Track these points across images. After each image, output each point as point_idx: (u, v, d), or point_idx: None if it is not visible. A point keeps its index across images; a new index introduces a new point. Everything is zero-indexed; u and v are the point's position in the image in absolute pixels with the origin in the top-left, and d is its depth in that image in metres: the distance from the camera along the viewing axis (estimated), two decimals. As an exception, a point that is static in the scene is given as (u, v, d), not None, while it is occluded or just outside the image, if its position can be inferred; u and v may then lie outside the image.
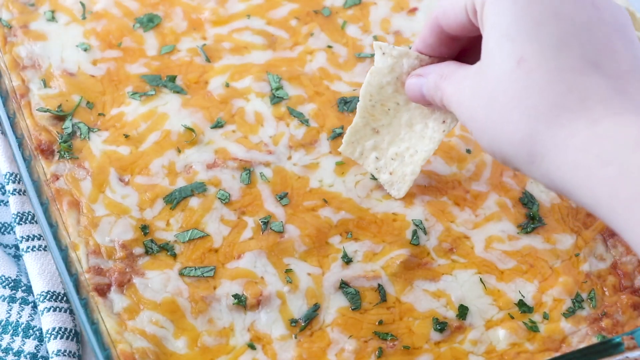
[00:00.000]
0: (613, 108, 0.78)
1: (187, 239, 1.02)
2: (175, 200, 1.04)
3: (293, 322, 0.97)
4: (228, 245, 1.02)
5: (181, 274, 0.99)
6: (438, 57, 0.97)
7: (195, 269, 1.00)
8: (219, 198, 1.04)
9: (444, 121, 1.00)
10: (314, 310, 0.98)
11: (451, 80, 0.91)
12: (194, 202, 1.04)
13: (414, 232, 1.03)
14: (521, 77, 0.82)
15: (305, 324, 0.97)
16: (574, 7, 0.84)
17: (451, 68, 0.93)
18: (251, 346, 0.96)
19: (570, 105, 0.80)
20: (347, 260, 1.01)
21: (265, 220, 1.03)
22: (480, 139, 0.86)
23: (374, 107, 1.02)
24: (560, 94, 0.81)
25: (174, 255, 1.01)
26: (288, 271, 1.00)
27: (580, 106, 0.80)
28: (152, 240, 1.01)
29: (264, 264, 1.00)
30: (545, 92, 0.81)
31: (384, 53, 0.99)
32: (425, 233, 1.03)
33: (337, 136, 1.10)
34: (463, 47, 0.96)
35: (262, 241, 1.02)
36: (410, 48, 0.98)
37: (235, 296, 0.98)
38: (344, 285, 1.00)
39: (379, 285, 1.00)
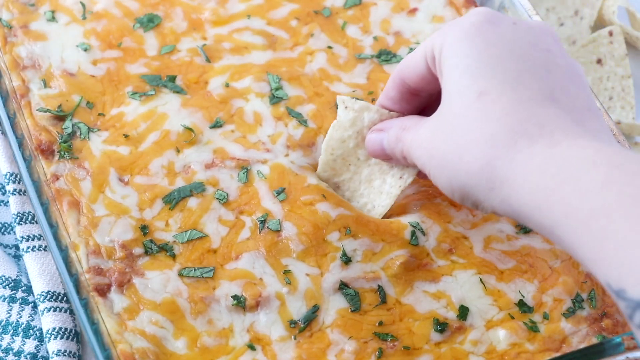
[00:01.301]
0: (571, 135, 0.80)
1: (186, 239, 1.02)
2: (174, 200, 1.04)
3: (292, 323, 0.97)
4: (226, 246, 1.02)
5: (180, 275, 0.99)
6: (399, 113, 1.00)
7: (194, 270, 0.99)
8: (217, 198, 1.04)
9: (401, 177, 1.01)
10: (313, 312, 0.98)
11: (412, 130, 0.93)
12: (192, 202, 1.04)
13: (413, 233, 1.03)
14: (481, 108, 0.85)
15: (305, 325, 0.97)
16: (530, 49, 0.87)
17: (413, 121, 0.95)
18: (251, 347, 0.96)
19: (529, 131, 0.82)
20: (346, 260, 1.01)
21: (263, 219, 1.03)
22: (439, 176, 0.88)
23: (335, 162, 1.04)
24: (519, 121, 0.83)
25: (173, 256, 1.01)
26: (286, 272, 0.99)
27: (539, 132, 0.82)
28: (151, 241, 1.01)
29: (262, 265, 1.00)
30: (504, 120, 0.83)
31: (346, 107, 1.02)
32: (424, 234, 1.03)
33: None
34: (424, 104, 0.99)
35: (260, 241, 1.02)
36: (381, 90, 1.00)
37: (235, 297, 0.98)
38: (343, 286, 0.99)
39: (379, 286, 1.00)
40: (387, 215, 1.04)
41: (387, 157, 1.00)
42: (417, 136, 0.92)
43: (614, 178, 0.74)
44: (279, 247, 1.01)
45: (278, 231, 1.02)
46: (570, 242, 0.76)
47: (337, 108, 1.03)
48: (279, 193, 1.04)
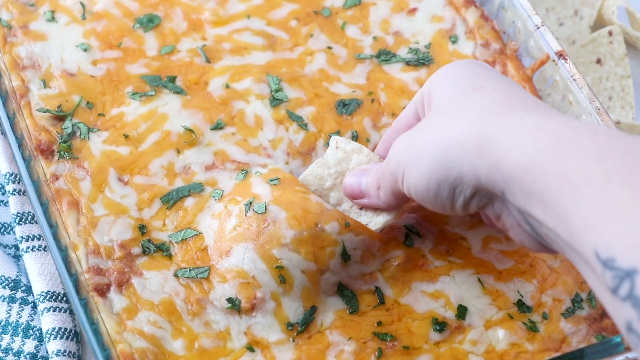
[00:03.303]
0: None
1: (180, 239, 1.02)
2: (172, 200, 1.04)
3: (289, 325, 0.97)
4: (218, 240, 1.01)
5: (176, 276, 0.99)
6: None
7: (189, 270, 0.99)
8: (212, 197, 1.04)
9: (367, 223, 1.00)
10: (311, 314, 0.98)
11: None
12: (189, 202, 1.04)
13: (407, 235, 1.03)
14: (475, 95, 0.86)
15: (303, 328, 0.97)
16: (504, 80, 0.90)
17: None
18: (250, 349, 0.95)
19: (526, 103, 0.83)
20: (347, 258, 1.00)
21: (249, 203, 1.01)
22: (418, 164, 0.87)
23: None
24: (515, 95, 0.84)
25: (170, 256, 1.01)
26: (279, 268, 0.98)
27: (536, 106, 0.82)
28: (149, 240, 1.01)
29: (252, 259, 0.98)
30: (500, 98, 0.84)
31: (337, 147, 1.02)
32: (420, 236, 1.03)
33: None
34: None
35: (245, 227, 0.99)
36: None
37: (229, 300, 0.97)
38: (342, 287, 0.99)
39: (376, 287, 1.00)
40: None
41: (360, 195, 0.99)
42: (401, 137, 0.92)
43: (614, 146, 0.73)
44: (268, 233, 0.98)
45: (263, 214, 0.99)
46: (560, 208, 0.74)
47: (329, 142, 1.04)
48: (272, 180, 1.03)
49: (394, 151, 0.92)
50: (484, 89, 0.86)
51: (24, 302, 1.05)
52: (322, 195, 1.02)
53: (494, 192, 0.82)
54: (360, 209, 1.01)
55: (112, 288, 0.97)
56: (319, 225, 0.99)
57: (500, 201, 0.84)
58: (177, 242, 1.01)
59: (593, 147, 0.73)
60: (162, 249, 1.01)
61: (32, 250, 1.07)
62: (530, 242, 0.86)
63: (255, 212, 0.99)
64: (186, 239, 1.02)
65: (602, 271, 0.70)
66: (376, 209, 1.00)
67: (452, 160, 0.83)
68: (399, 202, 0.97)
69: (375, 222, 1.00)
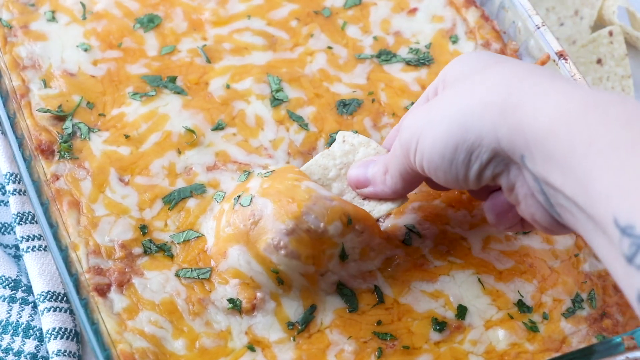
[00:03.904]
0: None
1: (182, 240, 1.02)
2: (173, 200, 1.04)
3: (290, 325, 0.97)
4: (216, 243, 1.00)
5: (177, 276, 0.99)
6: None
7: (191, 271, 0.99)
8: (214, 199, 1.04)
9: (369, 212, 0.99)
10: (311, 313, 0.98)
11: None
12: (191, 203, 1.04)
13: (407, 234, 1.03)
14: (497, 66, 0.85)
15: (303, 327, 0.97)
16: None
17: None
18: (251, 348, 0.96)
19: (552, 74, 0.82)
20: (343, 257, 0.99)
21: (237, 196, 1.00)
22: (437, 127, 0.85)
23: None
24: (538, 69, 0.83)
25: (171, 256, 1.01)
26: (275, 272, 0.97)
27: (560, 77, 0.81)
28: (150, 241, 1.01)
29: (247, 260, 0.97)
30: (522, 69, 0.83)
31: (344, 140, 1.01)
32: (420, 236, 1.03)
33: (333, 142, 1.09)
34: None
35: (233, 222, 0.97)
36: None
37: (230, 300, 0.97)
38: (341, 286, 0.99)
39: (375, 286, 1.00)
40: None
41: (365, 182, 0.98)
42: (414, 110, 0.91)
43: None
44: (257, 231, 0.97)
45: (249, 206, 0.97)
46: (582, 172, 0.72)
47: (335, 137, 1.03)
48: (266, 172, 1.02)
49: (407, 123, 0.89)
50: (507, 62, 0.85)
51: (25, 302, 1.05)
52: (325, 185, 1.01)
53: (512, 157, 0.81)
54: (364, 199, 1.00)
55: (113, 288, 0.97)
56: (306, 216, 0.95)
57: (517, 168, 0.83)
58: (179, 243, 1.01)
59: (621, 114, 0.72)
60: (164, 249, 1.01)
61: (32, 250, 1.07)
62: (541, 215, 0.84)
63: (242, 205, 0.98)
64: (188, 240, 1.02)
65: (619, 239, 0.69)
66: (380, 199, 0.99)
67: (472, 121, 0.82)
68: (406, 185, 0.95)
69: (379, 210, 0.99)
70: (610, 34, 1.27)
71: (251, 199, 0.98)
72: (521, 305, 0.99)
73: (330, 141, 1.10)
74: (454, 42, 1.19)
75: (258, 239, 0.97)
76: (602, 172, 0.71)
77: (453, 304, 0.99)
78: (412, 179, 0.94)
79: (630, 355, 0.92)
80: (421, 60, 1.17)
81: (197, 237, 1.02)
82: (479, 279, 1.00)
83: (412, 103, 1.13)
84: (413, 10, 1.22)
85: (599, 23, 1.34)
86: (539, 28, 1.14)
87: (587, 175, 0.72)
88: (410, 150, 0.89)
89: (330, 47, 1.19)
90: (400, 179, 0.94)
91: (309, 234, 0.96)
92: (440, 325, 0.97)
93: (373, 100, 1.14)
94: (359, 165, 0.99)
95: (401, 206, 1.02)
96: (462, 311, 0.98)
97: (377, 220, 1.01)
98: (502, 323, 0.98)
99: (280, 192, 0.97)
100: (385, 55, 1.18)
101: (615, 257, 0.71)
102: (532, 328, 0.98)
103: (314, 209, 0.96)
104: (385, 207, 0.99)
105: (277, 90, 1.14)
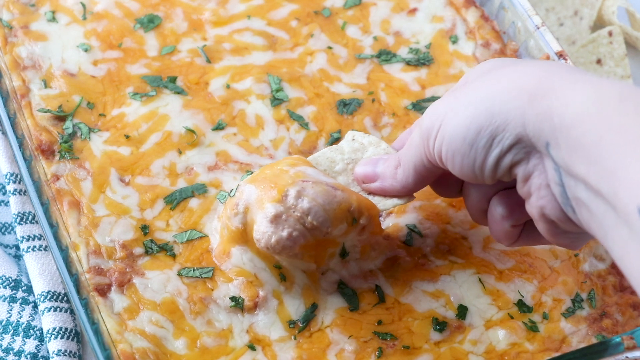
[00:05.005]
0: None
1: (185, 239, 1.02)
2: (175, 200, 1.04)
3: (291, 323, 0.97)
4: (220, 243, 1.00)
5: (179, 275, 0.99)
6: None
7: (194, 270, 0.99)
8: (218, 199, 1.04)
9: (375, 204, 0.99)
10: (312, 311, 0.98)
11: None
12: (193, 203, 1.04)
13: (408, 234, 1.03)
14: (524, 61, 0.86)
15: (304, 325, 0.97)
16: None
17: None
18: (251, 347, 0.96)
19: (581, 70, 0.82)
20: (344, 255, 1.00)
21: (231, 190, 0.99)
22: (464, 110, 0.84)
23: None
24: (566, 65, 0.83)
25: (173, 256, 1.01)
26: (278, 267, 0.97)
27: (590, 73, 0.81)
28: (151, 241, 1.01)
29: (250, 257, 0.98)
30: (550, 63, 0.83)
31: (354, 139, 1.01)
32: (421, 235, 1.03)
33: (334, 141, 1.09)
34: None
35: (228, 221, 0.97)
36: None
37: (233, 299, 0.97)
38: (342, 285, 0.99)
39: (377, 286, 1.00)
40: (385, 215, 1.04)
41: (373, 177, 0.97)
42: (438, 101, 0.90)
43: None
44: (249, 224, 0.96)
45: (234, 196, 0.97)
46: (609, 161, 0.72)
47: (335, 137, 1.03)
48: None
49: (429, 111, 0.89)
50: (534, 60, 0.86)
51: (25, 302, 1.05)
52: (330, 174, 1.00)
53: (536, 143, 0.80)
54: (369, 194, 0.99)
55: (113, 288, 0.97)
56: (292, 199, 0.93)
57: (537, 157, 0.82)
58: (181, 243, 1.02)
59: None
60: (166, 249, 1.01)
61: (32, 250, 1.07)
62: (551, 208, 0.83)
63: (230, 196, 0.98)
64: (191, 239, 1.02)
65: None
66: (386, 195, 0.97)
67: (499, 105, 0.81)
68: (417, 180, 0.94)
69: (384, 204, 0.97)
70: (610, 34, 1.28)
71: (237, 187, 0.98)
72: (521, 305, 0.99)
73: (331, 140, 1.10)
74: (454, 42, 1.19)
75: (252, 234, 0.96)
76: (628, 162, 0.70)
77: (454, 304, 0.99)
78: (425, 173, 0.92)
79: (630, 355, 0.92)
80: (421, 60, 1.17)
81: (201, 237, 1.02)
82: (479, 279, 1.00)
83: (412, 103, 1.13)
84: (413, 11, 1.22)
85: (599, 23, 1.34)
86: (538, 28, 1.15)
87: (613, 164, 0.72)
88: (431, 136, 0.87)
89: (330, 47, 1.19)
90: (413, 171, 0.93)
91: (303, 225, 0.94)
92: (440, 325, 0.97)
93: (373, 100, 1.14)
94: (367, 162, 0.98)
95: (402, 206, 1.02)
96: (462, 311, 0.98)
97: (380, 215, 1.00)
98: (502, 323, 0.98)
99: (266, 177, 0.96)
100: (385, 55, 1.18)
101: (635, 249, 0.70)
102: (532, 328, 0.98)
103: (304, 194, 0.93)
104: (391, 202, 0.97)
105: (277, 90, 1.14)
